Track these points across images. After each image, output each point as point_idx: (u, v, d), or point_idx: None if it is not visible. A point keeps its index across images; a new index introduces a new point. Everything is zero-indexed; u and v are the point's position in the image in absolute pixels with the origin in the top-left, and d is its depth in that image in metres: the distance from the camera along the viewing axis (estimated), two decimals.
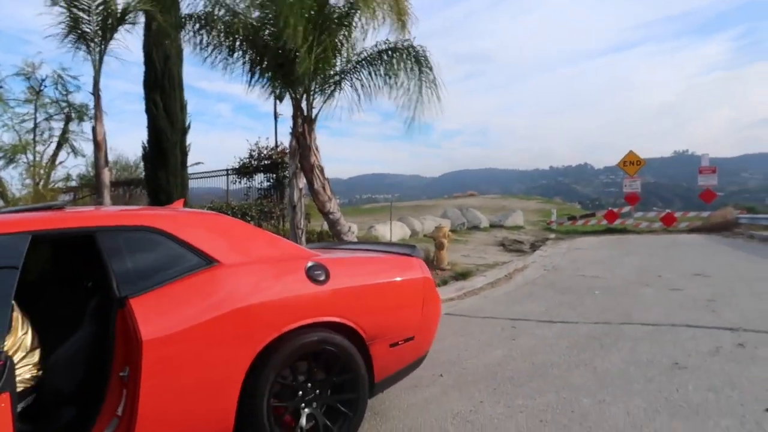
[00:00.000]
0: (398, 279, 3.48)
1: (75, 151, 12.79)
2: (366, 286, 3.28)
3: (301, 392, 2.98)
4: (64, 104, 12.17)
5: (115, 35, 7.36)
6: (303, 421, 2.96)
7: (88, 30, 7.14)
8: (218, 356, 2.65)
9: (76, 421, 2.51)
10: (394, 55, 7.80)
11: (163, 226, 2.81)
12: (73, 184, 17.52)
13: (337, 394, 3.11)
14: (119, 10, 7.15)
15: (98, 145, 7.49)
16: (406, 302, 3.47)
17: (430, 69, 7.76)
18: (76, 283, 3.17)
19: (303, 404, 2.98)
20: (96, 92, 7.24)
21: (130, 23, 7.49)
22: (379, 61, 7.87)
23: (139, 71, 11.26)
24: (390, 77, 7.85)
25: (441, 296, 7.91)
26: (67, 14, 7.07)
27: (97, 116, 7.35)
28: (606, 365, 4.47)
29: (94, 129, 7.43)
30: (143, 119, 11.82)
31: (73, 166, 15.15)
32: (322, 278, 3.08)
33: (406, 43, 7.85)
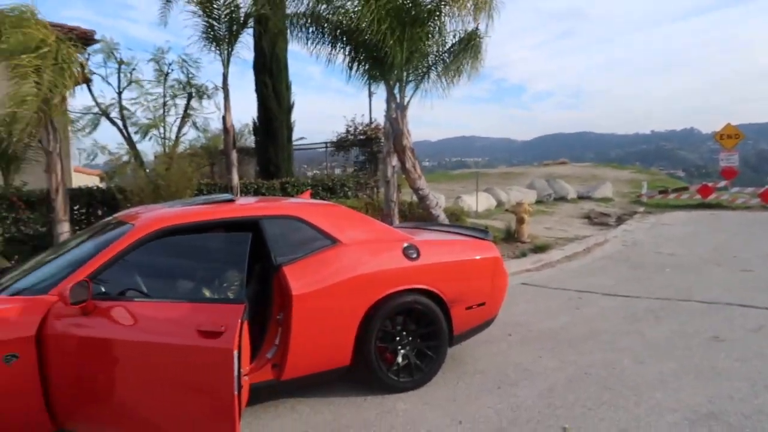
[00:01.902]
0: (473, 258, 4.45)
1: (196, 126, 14.59)
2: (448, 263, 4.29)
3: (398, 338, 4.06)
4: (186, 85, 13.85)
5: (239, 38, 8.73)
6: (399, 359, 4.06)
7: (218, 34, 8.52)
8: (341, 308, 3.77)
9: (251, 347, 3.73)
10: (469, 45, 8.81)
11: (303, 215, 3.94)
12: (190, 151, 19.56)
13: (424, 341, 4.17)
14: (242, 17, 8.49)
15: (227, 131, 8.91)
16: (479, 276, 4.45)
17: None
18: None
19: (399, 346, 4.07)
20: (225, 86, 8.61)
21: (251, 27, 8.75)
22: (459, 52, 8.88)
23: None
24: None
25: (519, 267, 8.82)
26: (204, 23, 8.47)
27: (227, 107, 8.74)
28: (654, 334, 5.22)
29: (224, 118, 8.84)
30: (248, 85, 13.51)
31: (194, 138, 17.06)
32: (414, 256, 4.11)
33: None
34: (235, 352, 2.52)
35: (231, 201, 4.03)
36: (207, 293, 2.98)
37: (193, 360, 2.60)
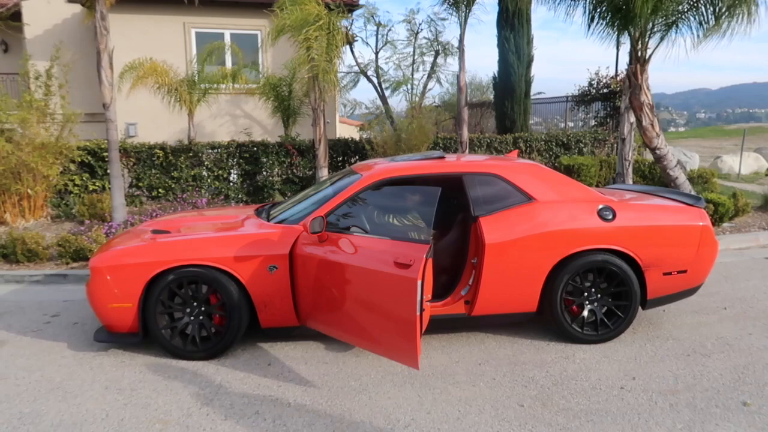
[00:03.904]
0: (675, 224, 4.36)
1: (440, 82, 15.62)
2: (645, 227, 4.30)
3: (585, 293, 4.30)
4: (433, 42, 14.81)
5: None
6: (585, 312, 4.31)
7: None
8: (530, 259, 4.16)
9: (447, 283, 4.39)
10: None
11: (502, 173, 4.37)
12: (437, 105, 20.82)
13: (614, 300, 4.32)
14: None
15: (461, 89, 9.54)
16: (681, 243, 4.35)
17: None
18: (447, 203, 5.02)
19: (586, 302, 4.31)
20: (461, 47, 9.17)
21: None
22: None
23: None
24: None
25: None
26: None
27: (461, 67, 9.33)
28: None
29: (458, 77, 9.47)
30: (493, 32, 13.81)
31: (439, 92, 18.25)
32: (609, 217, 4.25)
33: None
34: (419, 282, 3.16)
35: (441, 158, 4.65)
36: (404, 233, 3.68)
37: (390, 284, 3.32)
